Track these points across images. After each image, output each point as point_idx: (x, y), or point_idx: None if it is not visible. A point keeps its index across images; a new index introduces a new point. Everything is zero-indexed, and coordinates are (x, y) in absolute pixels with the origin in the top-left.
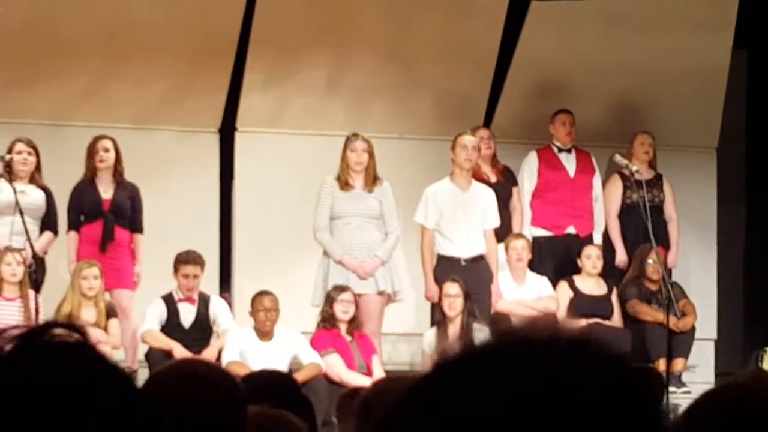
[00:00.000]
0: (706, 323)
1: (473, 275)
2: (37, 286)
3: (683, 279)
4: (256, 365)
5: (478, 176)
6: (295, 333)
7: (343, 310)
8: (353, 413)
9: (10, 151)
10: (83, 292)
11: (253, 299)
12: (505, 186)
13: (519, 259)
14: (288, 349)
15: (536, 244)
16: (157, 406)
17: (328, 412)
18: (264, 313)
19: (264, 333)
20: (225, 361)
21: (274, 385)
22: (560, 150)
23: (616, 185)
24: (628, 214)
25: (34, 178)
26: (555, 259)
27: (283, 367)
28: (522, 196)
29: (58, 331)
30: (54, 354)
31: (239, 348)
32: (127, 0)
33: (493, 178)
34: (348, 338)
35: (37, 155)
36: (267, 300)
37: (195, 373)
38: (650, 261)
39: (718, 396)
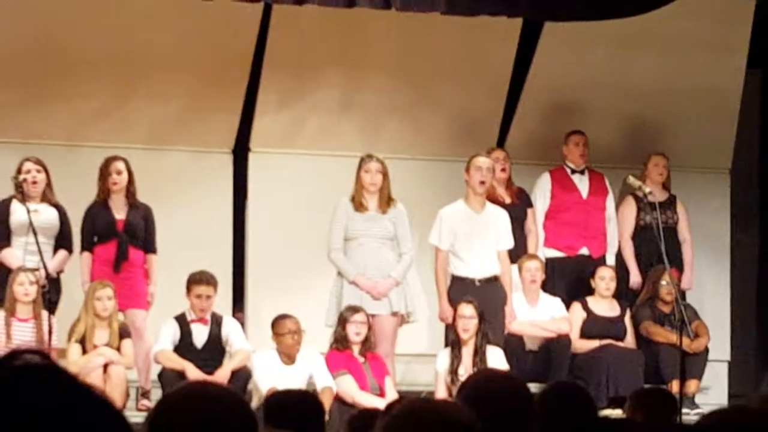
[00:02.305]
0: (719, 345)
1: (487, 296)
2: (52, 305)
3: (696, 300)
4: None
5: (494, 198)
6: (314, 353)
7: (355, 332)
8: None
9: (19, 171)
10: (97, 312)
11: (275, 323)
12: (520, 208)
13: (533, 281)
14: (307, 370)
15: (549, 265)
16: (168, 426)
17: None
18: (291, 336)
19: (289, 356)
20: (264, 388)
21: (298, 406)
22: (573, 171)
23: (630, 207)
24: (641, 235)
25: (46, 196)
26: (568, 280)
27: (301, 387)
28: (535, 217)
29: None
30: (23, 377)
31: (268, 372)
32: (140, 21)
33: (508, 200)
34: (361, 359)
35: (47, 173)
36: (290, 323)
37: (207, 394)
38: (663, 283)
39: (727, 420)
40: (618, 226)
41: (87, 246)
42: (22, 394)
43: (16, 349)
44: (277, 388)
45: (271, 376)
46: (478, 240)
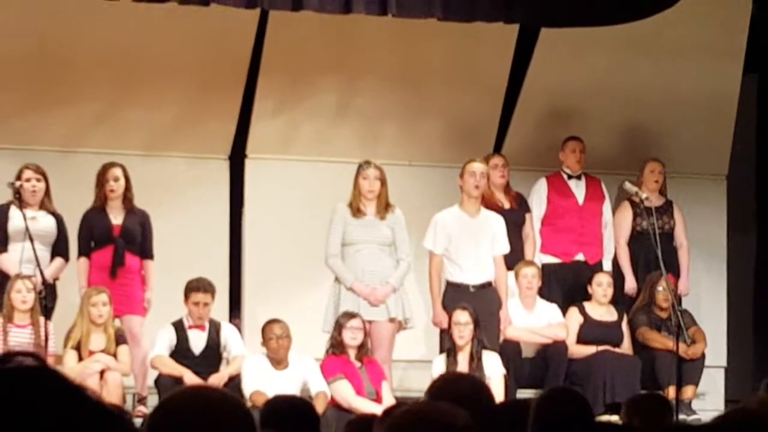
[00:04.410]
0: (715, 350)
1: (481, 302)
2: (48, 312)
3: (693, 306)
4: (271, 393)
5: (492, 203)
6: (308, 359)
7: (351, 336)
8: None
9: (18, 177)
10: (92, 318)
11: (263, 328)
12: (518, 213)
13: (529, 287)
14: (300, 375)
15: (545, 271)
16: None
17: None
18: (276, 341)
19: (278, 361)
20: (248, 392)
21: (294, 412)
22: (570, 177)
23: (626, 212)
24: (638, 241)
25: (44, 204)
26: (564, 286)
27: (294, 393)
28: (533, 222)
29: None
30: (16, 379)
31: (257, 376)
32: (137, 27)
33: (507, 205)
34: (357, 364)
35: (46, 181)
36: (277, 327)
37: (206, 399)
38: (660, 288)
39: (727, 422)
40: (614, 231)
41: (84, 251)
42: (14, 395)
43: (8, 351)
44: (262, 391)
45: (260, 381)
46: (473, 245)
